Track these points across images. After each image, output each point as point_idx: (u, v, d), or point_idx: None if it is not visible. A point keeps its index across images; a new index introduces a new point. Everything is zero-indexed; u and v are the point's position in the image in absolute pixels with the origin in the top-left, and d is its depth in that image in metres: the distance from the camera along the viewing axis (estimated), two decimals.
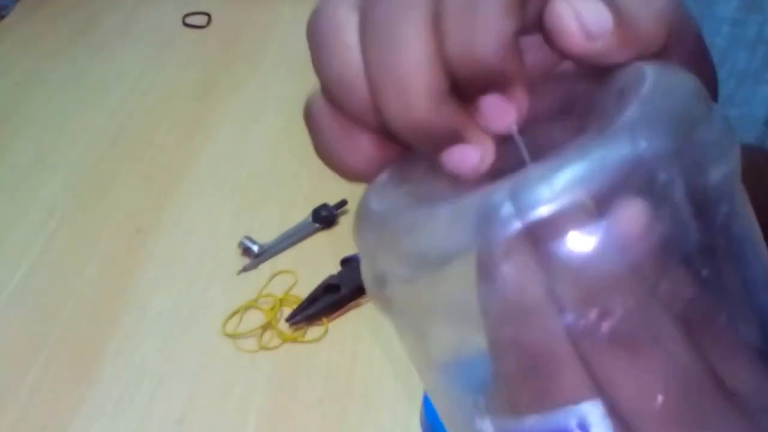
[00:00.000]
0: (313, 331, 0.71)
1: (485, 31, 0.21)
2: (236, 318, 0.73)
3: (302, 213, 0.82)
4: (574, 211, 0.19)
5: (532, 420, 0.20)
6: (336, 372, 0.67)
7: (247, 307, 0.74)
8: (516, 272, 0.19)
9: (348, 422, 0.64)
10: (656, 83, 0.21)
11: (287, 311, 0.73)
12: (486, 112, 0.22)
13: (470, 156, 0.22)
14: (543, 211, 0.19)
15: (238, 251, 0.80)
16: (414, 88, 0.21)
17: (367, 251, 0.22)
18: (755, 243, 0.22)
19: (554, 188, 0.19)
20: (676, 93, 0.21)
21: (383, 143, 0.23)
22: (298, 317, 0.71)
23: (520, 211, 0.19)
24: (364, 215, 0.23)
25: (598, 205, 0.19)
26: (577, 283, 0.19)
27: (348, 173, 0.24)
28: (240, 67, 1.12)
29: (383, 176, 0.23)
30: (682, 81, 0.22)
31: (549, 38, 0.23)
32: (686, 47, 0.25)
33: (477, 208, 0.19)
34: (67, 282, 0.79)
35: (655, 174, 0.19)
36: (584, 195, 0.19)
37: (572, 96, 0.24)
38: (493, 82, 0.22)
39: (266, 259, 0.79)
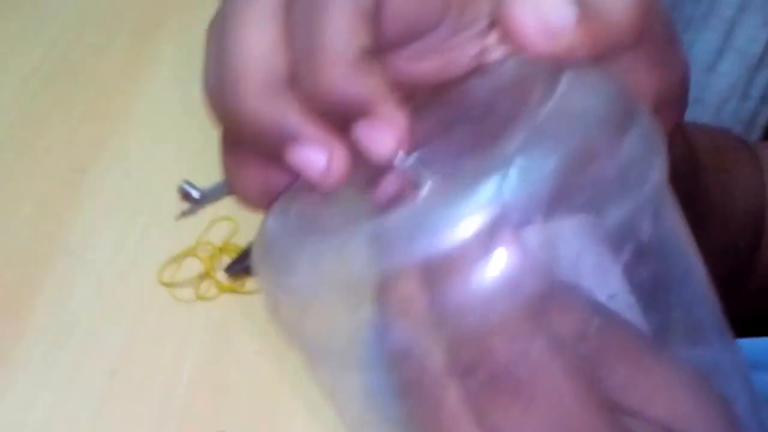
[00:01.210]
0: (252, 282, 0.69)
1: (325, 60, 0.19)
2: (173, 266, 0.71)
3: None
4: (438, 257, 0.18)
5: None
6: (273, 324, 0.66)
7: (185, 255, 0.72)
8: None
9: (284, 376, 0.63)
10: (563, 100, 0.20)
11: (227, 260, 0.71)
12: (361, 142, 0.20)
13: (314, 160, 0.20)
14: (404, 260, 0.18)
15: (178, 196, 0.78)
16: (241, 78, 0.20)
17: (258, 277, 0.23)
18: (683, 259, 0.21)
19: (415, 238, 0.18)
20: (583, 115, 0.20)
21: (270, 169, 0.22)
22: (237, 267, 0.69)
23: (379, 261, 0.19)
24: (259, 240, 0.23)
25: (463, 250, 0.18)
26: (453, 328, 0.18)
27: (247, 203, 0.23)
28: (185, 3, 1.07)
29: (283, 199, 0.23)
30: (597, 97, 0.20)
31: (505, 37, 0.21)
32: (655, 42, 0.24)
33: (338, 251, 0.19)
34: None
35: (526, 218, 0.18)
36: (445, 242, 0.18)
37: (493, 95, 0.23)
38: (357, 110, 0.20)
39: (206, 203, 0.77)
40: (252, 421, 0.59)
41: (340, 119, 0.21)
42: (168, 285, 0.70)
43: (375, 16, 0.20)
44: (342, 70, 0.20)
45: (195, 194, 0.77)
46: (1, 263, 0.72)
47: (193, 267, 0.71)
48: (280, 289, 0.22)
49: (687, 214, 0.38)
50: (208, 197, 0.77)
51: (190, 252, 0.72)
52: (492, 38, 0.23)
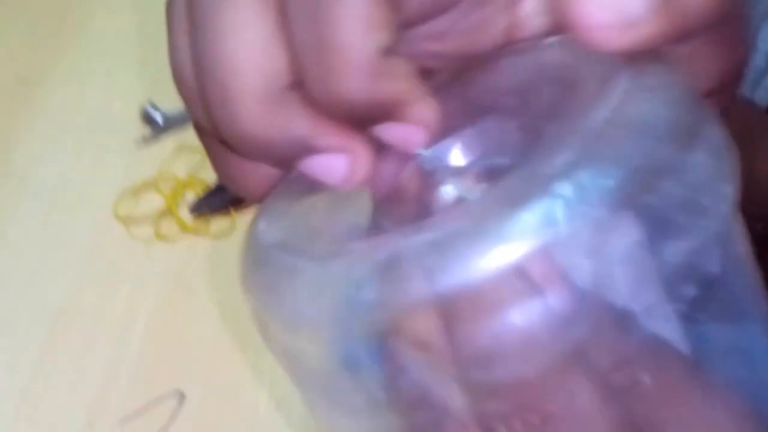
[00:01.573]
0: (218, 223, 0.63)
1: (341, 63, 0.16)
2: (131, 199, 0.64)
3: None
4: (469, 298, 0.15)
5: None
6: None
7: (145, 187, 0.65)
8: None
9: (249, 329, 0.57)
10: (623, 105, 0.17)
11: (191, 197, 0.64)
12: (388, 143, 0.18)
13: (334, 167, 0.18)
14: (408, 301, 0.16)
15: (139, 119, 0.70)
16: (237, 86, 0.17)
17: (246, 291, 0.20)
18: (745, 288, 0.19)
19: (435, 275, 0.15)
20: (647, 126, 0.17)
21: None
22: (203, 206, 0.63)
23: (393, 292, 0.16)
24: (249, 248, 0.20)
25: (498, 291, 0.15)
26: (484, 373, 0.16)
27: (251, 198, 0.20)
28: None
29: (276, 196, 0.20)
30: (663, 104, 0.17)
31: (567, 30, 0.17)
32: (729, 21, 0.21)
33: (341, 282, 0.16)
34: None
35: (578, 249, 0.16)
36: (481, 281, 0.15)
37: (529, 83, 0.20)
38: (381, 115, 0.17)
39: (170, 129, 0.70)
40: (214, 380, 0.54)
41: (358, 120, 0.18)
42: (124, 220, 0.63)
43: None
44: (362, 74, 0.17)
45: (158, 118, 0.70)
46: None
47: (153, 202, 0.64)
48: (274, 317, 0.19)
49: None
50: (174, 123, 0.71)
51: (151, 184, 0.65)
52: (524, 9, 0.20)
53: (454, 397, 0.17)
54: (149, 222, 0.63)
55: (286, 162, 0.18)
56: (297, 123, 0.17)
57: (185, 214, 0.63)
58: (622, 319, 0.16)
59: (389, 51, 0.17)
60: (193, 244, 0.62)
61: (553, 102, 0.19)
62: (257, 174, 0.20)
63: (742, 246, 0.19)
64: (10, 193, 0.64)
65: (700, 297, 0.17)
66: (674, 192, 0.16)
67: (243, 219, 0.63)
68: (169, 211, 0.63)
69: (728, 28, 0.21)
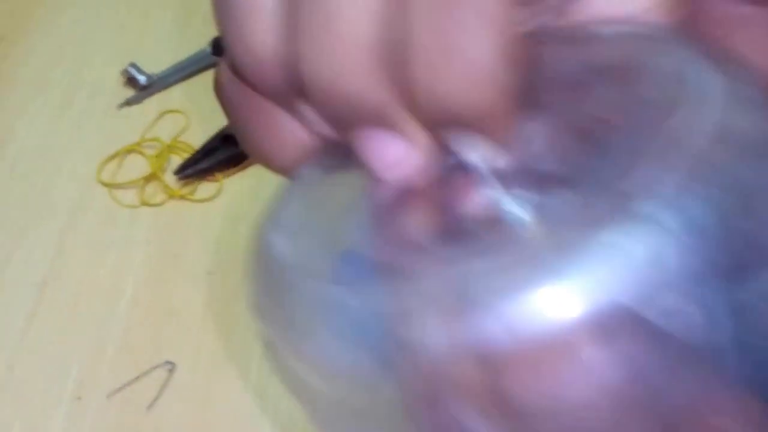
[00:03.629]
0: (205, 187, 0.61)
1: (458, 61, 0.15)
2: (114, 163, 0.63)
3: (200, 40, 0.70)
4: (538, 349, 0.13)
5: None
6: (230, 238, 0.59)
7: (128, 151, 0.63)
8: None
9: (239, 298, 0.56)
10: (721, 119, 0.14)
11: (176, 161, 0.62)
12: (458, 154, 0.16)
13: (392, 149, 0.16)
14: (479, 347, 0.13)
15: (121, 80, 0.68)
16: (349, 43, 0.15)
17: (251, 303, 0.17)
18: None
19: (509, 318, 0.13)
20: (748, 143, 0.14)
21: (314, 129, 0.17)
22: (188, 170, 0.61)
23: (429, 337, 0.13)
24: (259, 261, 0.17)
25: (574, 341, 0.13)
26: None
27: (280, 170, 0.18)
28: None
29: (287, 196, 0.17)
30: (764, 113, 0.14)
31: None
32: None
33: (389, 323, 0.14)
34: None
35: (672, 295, 0.13)
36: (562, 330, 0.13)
37: (590, 77, 0.16)
38: (469, 124, 0.15)
39: (154, 92, 0.68)
40: (203, 350, 0.52)
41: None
42: (108, 185, 0.61)
43: None
44: (478, 78, 0.15)
45: (141, 79, 0.68)
46: None
47: (137, 166, 0.62)
48: (288, 349, 0.17)
49: None
50: (157, 85, 0.68)
51: (134, 148, 0.63)
52: None
53: None
54: (134, 186, 0.61)
55: (349, 125, 0.17)
56: (385, 89, 0.16)
57: (171, 178, 0.61)
58: (709, 373, 0.14)
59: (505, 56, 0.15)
60: (180, 208, 0.60)
61: (613, 102, 0.16)
62: (290, 141, 0.18)
63: None
64: None
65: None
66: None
67: (230, 183, 0.61)
68: (154, 176, 0.61)
69: None
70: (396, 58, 0.15)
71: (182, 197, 0.61)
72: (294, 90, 0.16)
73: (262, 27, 0.16)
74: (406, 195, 0.16)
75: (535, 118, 0.16)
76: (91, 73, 0.69)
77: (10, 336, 0.53)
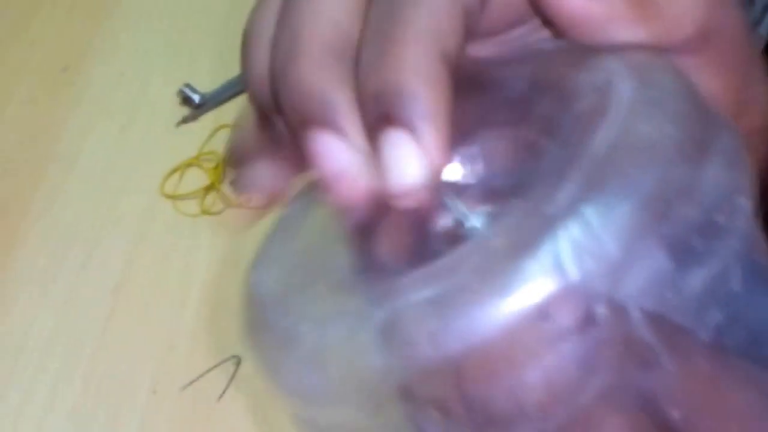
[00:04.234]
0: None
1: (395, 58, 0.16)
2: (176, 176, 0.67)
3: None
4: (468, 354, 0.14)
5: None
6: None
7: (187, 165, 0.68)
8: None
9: None
10: (628, 119, 0.15)
11: (232, 172, 0.66)
12: (390, 159, 0.16)
13: (334, 151, 0.17)
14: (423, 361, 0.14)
15: (177, 100, 0.73)
16: (309, 31, 0.17)
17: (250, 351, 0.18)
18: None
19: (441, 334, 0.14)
20: (657, 141, 0.15)
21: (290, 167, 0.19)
22: None
23: (400, 357, 0.15)
24: (247, 303, 0.18)
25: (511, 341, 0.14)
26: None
27: (249, 194, 0.20)
28: None
29: (271, 236, 0.19)
30: (670, 113, 0.16)
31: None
32: (723, 45, 0.20)
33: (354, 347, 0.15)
34: None
35: (597, 291, 0.14)
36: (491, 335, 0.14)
37: (528, 92, 0.18)
38: (404, 120, 0.16)
39: (208, 110, 0.72)
40: None
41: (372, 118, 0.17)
42: (171, 197, 0.65)
43: (477, 13, 0.17)
44: (412, 75, 0.16)
45: (195, 98, 0.73)
46: None
47: (196, 178, 0.67)
48: (279, 388, 0.18)
49: None
50: (210, 102, 0.73)
51: (193, 162, 0.68)
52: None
53: None
54: (195, 197, 0.65)
55: (302, 124, 0.17)
56: (335, 85, 0.17)
57: (228, 188, 0.65)
58: (647, 355, 0.15)
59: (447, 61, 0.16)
60: (238, 216, 0.64)
61: (552, 115, 0.17)
62: (273, 179, 0.19)
63: (762, 251, 0.17)
64: (60, 177, 0.67)
65: (725, 319, 0.16)
66: (688, 216, 0.15)
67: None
68: (212, 187, 0.66)
69: (722, 51, 0.20)
70: (347, 60, 0.17)
71: (240, 206, 0.65)
72: (275, 104, 0.18)
73: (259, 50, 0.18)
74: (375, 219, 0.17)
75: (482, 135, 0.17)
76: (150, 95, 0.73)
77: (89, 338, 0.57)
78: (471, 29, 0.17)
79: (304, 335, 0.16)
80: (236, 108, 0.72)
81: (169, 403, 0.54)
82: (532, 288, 0.14)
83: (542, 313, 0.14)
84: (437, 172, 0.16)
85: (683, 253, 0.15)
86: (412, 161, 0.16)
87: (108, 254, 0.62)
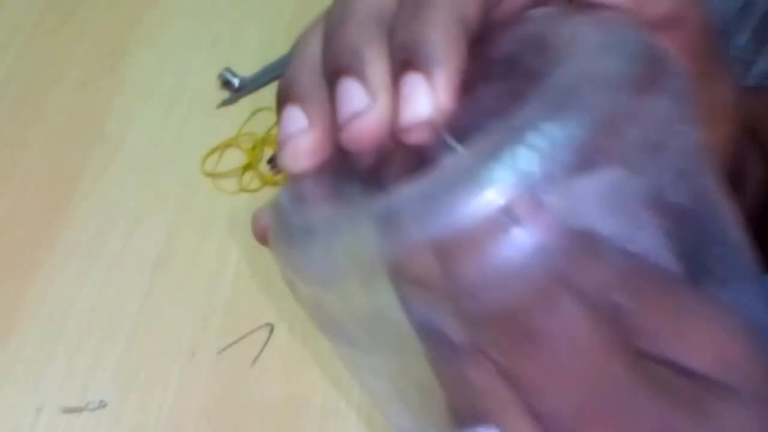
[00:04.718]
0: None
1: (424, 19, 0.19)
2: (215, 156, 0.70)
3: (285, 45, 0.77)
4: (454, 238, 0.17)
5: None
6: None
7: (227, 145, 0.71)
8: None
9: None
10: (584, 56, 0.18)
11: (268, 152, 0.70)
12: (405, 96, 0.20)
13: (358, 98, 0.20)
14: (408, 245, 0.18)
15: (218, 84, 0.76)
16: (354, 7, 0.20)
17: (274, 252, 0.22)
18: (716, 221, 0.20)
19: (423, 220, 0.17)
20: (608, 74, 0.18)
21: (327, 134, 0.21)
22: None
23: (390, 242, 0.18)
24: (274, 216, 0.22)
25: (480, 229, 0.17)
26: (475, 302, 0.18)
27: (288, 160, 0.22)
28: None
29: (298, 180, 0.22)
30: (623, 52, 0.19)
31: None
32: (688, 35, 0.23)
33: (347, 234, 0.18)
34: (34, 109, 0.75)
35: (546, 188, 0.17)
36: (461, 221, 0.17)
37: (515, 51, 0.21)
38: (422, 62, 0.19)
39: (247, 93, 0.75)
40: (300, 314, 0.59)
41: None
42: (211, 175, 0.69)
43: None
44: (436, 31, 0.20)
45: (235, 82, 0.76)
46: (41, 150, 0.71)
47: (235, 158, 0.70)
48: (296, 276, 0.21)
49: None
50: (249, 86, 0.76)
51: (232, 142, 0.71)
52: None
53: (455, 330, 0.18)
54: (233, 176, 0.68)
55: (337, 73, 0.20)
56: (369, 43, 0.20)
57: (265, 168, 0.69)
58: (599, 245, 0.18)
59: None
60: (273, 194, 0.67)
61: (535, 67, 0.20)
62: (310, 148, 0.21)
63: (715, 186, 0.20)
64: (106, 157, 0.71)
65: (678, 231, 0.19)
66: (634, 134, 0.18)
67: None
68: (250, 166, 0.69)
69: (689, 37, 0.23)
70: (386, 27, 0.20)
71: (276, 184, 0.68)
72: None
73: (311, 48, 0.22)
74: (383, 157, 0.20)
75: (479, 87, 0.20)
76: (191, 79, 0.77)
77: (132, 304, 0.60)
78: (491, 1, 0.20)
79: (316, 228, 0.19)
80: (273, 92, 0.75)
81: (206, 365, 0.57)
82: (495, 183, 0.17)
83: (504, 203, 0.17)
84: (443, 112, 0.19)
85: (628, 163, 0.18)
86: (423, 99, 0.19)
87: (150, 228, 0.65)
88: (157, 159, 0.70)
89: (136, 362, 0.57)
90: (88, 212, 0.66)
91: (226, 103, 0.75)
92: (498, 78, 0.21)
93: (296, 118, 0.21)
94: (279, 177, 0.68)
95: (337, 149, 0.21)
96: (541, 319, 0.18)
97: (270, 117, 0.72)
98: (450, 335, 0.19)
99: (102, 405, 0.55)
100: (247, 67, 0.76)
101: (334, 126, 0.20)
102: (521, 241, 0.17)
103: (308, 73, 0.21)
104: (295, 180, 0.22)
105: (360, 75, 0.20)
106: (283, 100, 0.22)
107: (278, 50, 0.77)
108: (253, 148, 0.70)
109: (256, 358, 0.57)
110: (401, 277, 0.18)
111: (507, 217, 0.17)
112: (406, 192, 0.18)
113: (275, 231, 0.22)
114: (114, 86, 0.77)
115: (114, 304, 0.60)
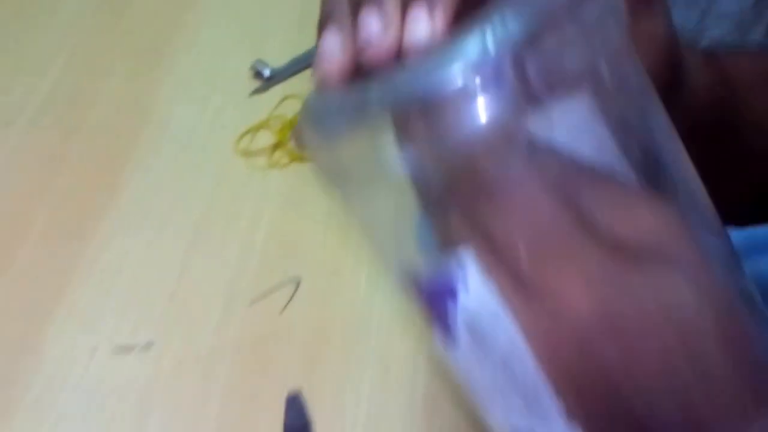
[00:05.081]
0: None
1: None
2: (248, 137, 0.78)
3: (313, 38, 0.85)
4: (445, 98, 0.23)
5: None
6: None
7: (258, 127, 0.79)
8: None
9: (352, 233, 0.70)
10: None
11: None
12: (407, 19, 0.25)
13: (375, 23, 0.25)
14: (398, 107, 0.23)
15: (250, 74, 0.84)
16: None
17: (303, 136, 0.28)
18: (646, 108, 0.26)
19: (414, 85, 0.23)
20: None
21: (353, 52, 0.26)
22: None
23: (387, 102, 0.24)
24: (302, 109, 0.27)
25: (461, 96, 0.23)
26: (451, 151, 0.23)
27: (323, 74, 0.27)
28: None
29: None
30: None
31: None
32: None
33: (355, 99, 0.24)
34: (88, 98, 0.83)
35: (503, 68, 0.23)
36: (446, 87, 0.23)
37: None
38: None
39: (277, 82, 0.83)
40: (322, 270, 0.66)
41: None
42: (244, 154, 0.76)
43: None
44: None
45: (266, 72, 0.84)
46: (96, 132, 0.80)
47: (266, 138, 0.78)
48: (317, 137, 0.27)
49: (725, 152, 0.39)
50: (279, 76, 0.84)
51: (263, 125, 0.79)
52: None
53: (434, 172, 0.24)
54: (264, 154, 0.76)
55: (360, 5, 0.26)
56: None
57: (293, 145, 0.76)
58: (536, 96, 0.23)
59: None
60: (301, 168, 0.75)
61: None
62: (341, 59, 0.26)
63: (639, 72, 0.26)
64: (152, 139, 0.79)
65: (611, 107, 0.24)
66: (571, 23, 0.23)
67: None
68: (279, 144, 0.76)
69: None
70: None
71: (302, 159, 0.75)
72: None
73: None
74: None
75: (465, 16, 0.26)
76: (226, 71, 0.85)
77: (174, 264, 0.68)
78: None
79: (330, 102, 0.26)
80: (301, 81, 0.83)
81: (239, 314, 0.64)
82: (464, 55, 0.23)
83: (469, 72, 0.23)
84: (438, 34, 0.25)
85: (564, 43, 0.24)
86: (423, 24, 0.25)
87: (191, 199, 0.73)
88: (196, 140, 0.78)
89: (179, 309, 0.65)
90: (136, 186, 0.74)
91: (257, 91, 0.83)
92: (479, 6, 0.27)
93: (329, 40, 0.27)
94: (305, 153, 0.75)
95: (356, 65, 0.26)
96: (494, 168, 0.24)
97: (297, 103, 0.80)
98: (431, 179, 0.24)
99: (149, 345, 0.63)
100: (277, 59, 0.84)
101: (356, 47, 0.26)
102: (482, 102, 0.22)
103: (340, 4, 0.28)
104: (320, 90, 0.27)
105: (379, 6, 0.25)
106: (322, 25, 0.28)
107: (306, 42, 0.85)
108: (282, 129, 0.78)
109: (284, 308, 0.64)
110: (398, 131, 0.24)
111: (471, 83, 0.22)
112: (402, 67, 0.24)
113: (303, 116, 0.27)
114: (158, 78, 0.85)
115: (160, 261, 0.68)
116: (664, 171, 0.26)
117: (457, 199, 0.25)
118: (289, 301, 0.65)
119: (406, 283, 0.27)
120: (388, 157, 0.24)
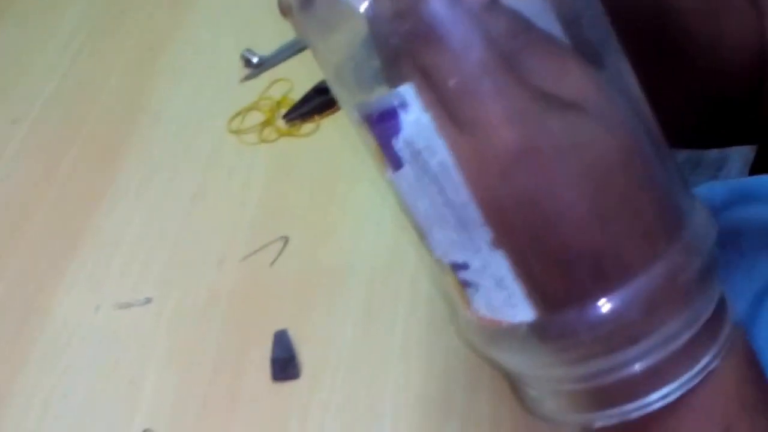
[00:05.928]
0: (307, 127, 0.81)
1: None
2: (239, 118, 0.83)
3: None
4: None
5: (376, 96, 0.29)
6: (326, 159, 0.78)
7: (249, 109, 0.84)
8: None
9: (335, 197, 0.75)
10: None
11: (284, 111, 0.82)
12: None
13: None
14: None
15: (241, 62, 0.89)
16: None
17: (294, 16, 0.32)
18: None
19: None
20: None
21: None
22: (293, 114, 0.81)
23: None
24: None
25: None
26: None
27: None
28: None
29: None
30: None
31: None
32: None
33: None
34: (92, 92, 0.89)
35: None
36: None
37: None
38: None
39: (266, 69, 0.89)
40: (309, 230, 0.71)
41: None
42: (236, 132, 0.82)
43: None
44: None
45: (254, 59, 0.89)
46: (97, 122, 0.85)
47: (256, 118, 0.83)
48: (310, 26, 0.31)
49: (665, 58, 0.43)
50: (267, 63, 0.89)
51: (254, 106, 0.84)
52: None
53: (398, 41, 0.27)
54: (254, 131, 0.81)
55: None
56: None
57: (281, 123, 0.82)
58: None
59: None
60: (289, 143, 0.80)
61: None
62: None
63: None
64: (150, 124, 0.84)
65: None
66: None
67: (325, 122, 0.81)
68: (268, 122, 0.82)
69: None
70: None
71: (290, 134, 0.81)
72: None
73: None
74: None
75: None
76: (219, 60, 0.91)
77: (173, 229, 0.73)
78: None
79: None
80: (288, 66, 0.88)
81: (232, 269, 0.69)
82: None
83: None
84: None
85: None
86: None
87: (188, 173, 0.78)
88: (191, 123, 0.84)
89: (176, 268, 0.70)
90: (138, 162, 0.80)
91: (248, 77, 0.88)
92: None
93: None
94: (293, 129, 0.81)
95: None
96: (444, 17, 0.27)
97: (285, 86, 0.86)
98: (385, 20, 0.27)
99: (147, 301, 0.68)
100: (265, 48, 0.90)
101: None
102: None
103: None
104: None
105: None
106: None
107: (290, 33, 0.90)
108: (271, 109, 0.83)
109: (273, 261, 0.69)
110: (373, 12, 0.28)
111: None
112: None
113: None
114: (155, 71, 0.91)
115: (158, 226, 0.74)
116: (596, 45, 0.30)
117: (406, 39, 0.28)
118: (278, 256, 0.69)
119: (361, 119, 0.30)
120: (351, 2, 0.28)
